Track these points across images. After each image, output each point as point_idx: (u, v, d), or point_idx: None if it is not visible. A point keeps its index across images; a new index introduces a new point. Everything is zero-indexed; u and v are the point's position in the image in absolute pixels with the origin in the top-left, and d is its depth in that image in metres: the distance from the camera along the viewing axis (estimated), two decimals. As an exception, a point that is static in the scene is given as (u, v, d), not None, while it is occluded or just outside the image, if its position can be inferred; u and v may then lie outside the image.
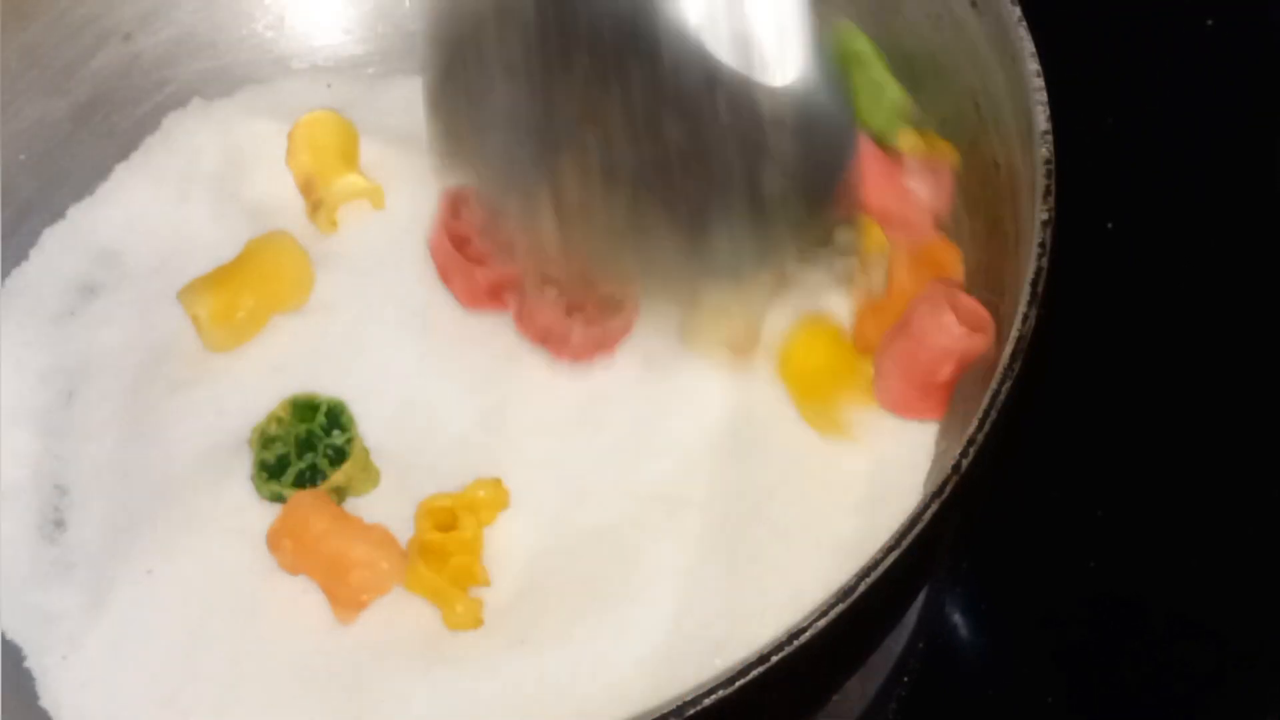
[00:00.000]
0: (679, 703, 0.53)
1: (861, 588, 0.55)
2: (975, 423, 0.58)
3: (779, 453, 0.71)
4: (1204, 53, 0.88)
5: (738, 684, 0.53)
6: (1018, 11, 0.65)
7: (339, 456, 0.69)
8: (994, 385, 0.58)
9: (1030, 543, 0.76)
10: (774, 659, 0.54)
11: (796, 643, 0.54)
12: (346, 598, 0.67)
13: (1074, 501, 0.76)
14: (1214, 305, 0.81)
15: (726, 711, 0.53)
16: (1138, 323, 0.81)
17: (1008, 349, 0.59)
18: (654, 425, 0.71)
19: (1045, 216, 0.61)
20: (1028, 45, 0.64)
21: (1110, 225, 0.83)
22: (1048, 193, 0.62)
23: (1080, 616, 0.74)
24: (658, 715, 0.53)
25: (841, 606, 0.54)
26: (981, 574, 0.75)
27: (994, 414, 0.58)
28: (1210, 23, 0.89)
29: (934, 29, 0.70)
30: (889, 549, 0.55)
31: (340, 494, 0.69)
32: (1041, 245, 0.61)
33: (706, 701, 0.53)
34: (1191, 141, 0.85)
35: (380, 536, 0.67)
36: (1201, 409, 0.78)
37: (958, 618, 0.75)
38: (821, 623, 0.54)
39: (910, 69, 0.72)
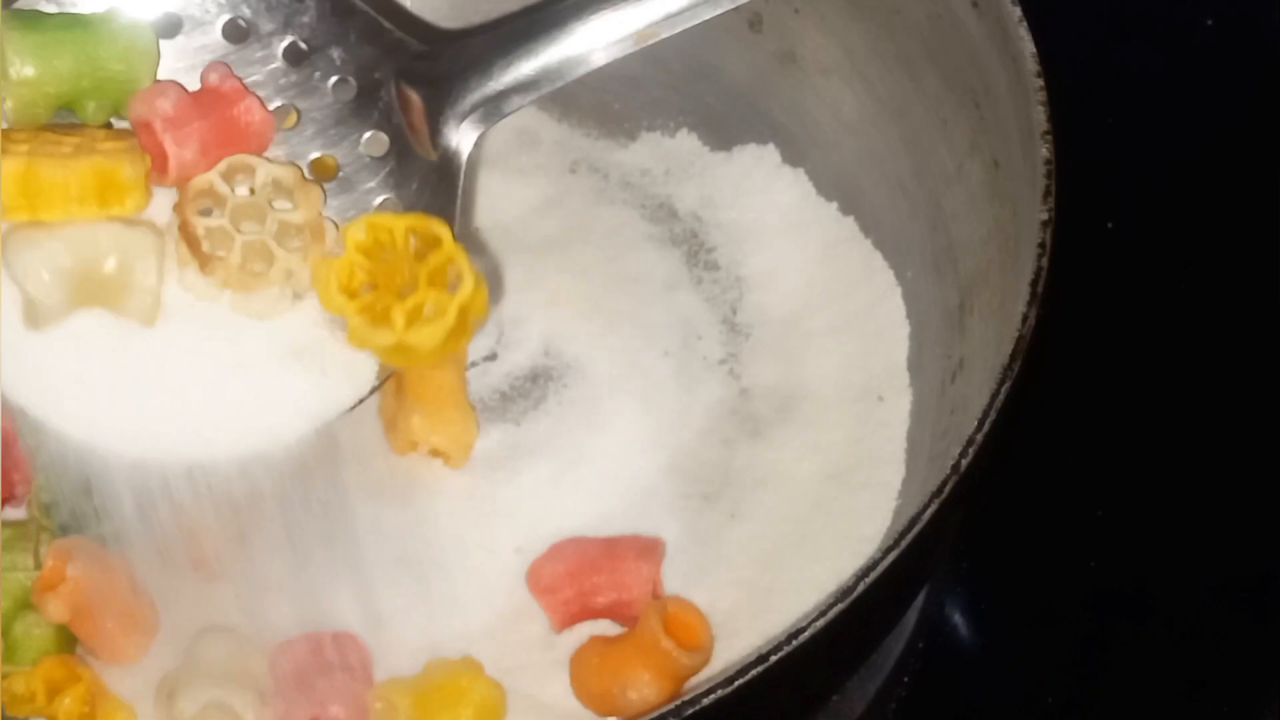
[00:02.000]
0: (678, 703, 0.53)
1: (861, 588, 0.55)
2: (975, 423, 0.58)
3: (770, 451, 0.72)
4: (1204, 53, 0.88)
5: (736, 684, 0.53)
6: (1018, 12, 0.65)
7: None
8: (994, 385, 0.58)
9: (1030, 543, 0.76)
10: (773, 659, 0.54)
11: (795, 643, 0.54)
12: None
13: (1074, 501, 0.76)
14: (1214, 305, 0.81)
15: (725, 711, 0.53)
16: (1138, 323, 0.81)
17: (1008, 349, 0.59)
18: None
19: (1045, 216, 0.61)
20: (1028, 45, 0.64)
21: (1110, 225, 0.83)
22: (1048, 193, 0.62)
23: (1080, 616, 0.74)
24: (657, 715, 0.53)
25: (841, 606, 0.54)
26: (981, 574, 0.75)
27: (994, 414, 0.58)
28: (1210, 23, 0.89)
29: (934, 29, 0.70)
30: (888, 549, 0.55)
31: None
32: (1041, 245, 0.61)
33: (705, 701, 0.53)
34: (1191, 141, 0.85)
35: None
36: (1201, 409, 0.78)
37: (958, 618, 0.75)
38: (821, 623, 0.54)
39: (910, 69, 0.72)
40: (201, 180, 0.61)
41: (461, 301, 0.59)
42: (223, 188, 0.61)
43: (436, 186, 0.63)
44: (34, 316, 0.60)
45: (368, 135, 0.64)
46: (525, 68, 0.62)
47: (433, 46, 0.64)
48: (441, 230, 0.59)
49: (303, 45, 0.64)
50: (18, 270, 0.59)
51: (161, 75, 0.63)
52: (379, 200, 0.63)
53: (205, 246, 0.60)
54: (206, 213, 0.61)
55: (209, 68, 0.63)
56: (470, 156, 0.63)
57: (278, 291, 0.61)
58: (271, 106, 0.63)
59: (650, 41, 0.62)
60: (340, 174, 0.63)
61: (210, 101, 0.62)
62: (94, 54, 0.62)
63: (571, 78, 0.62)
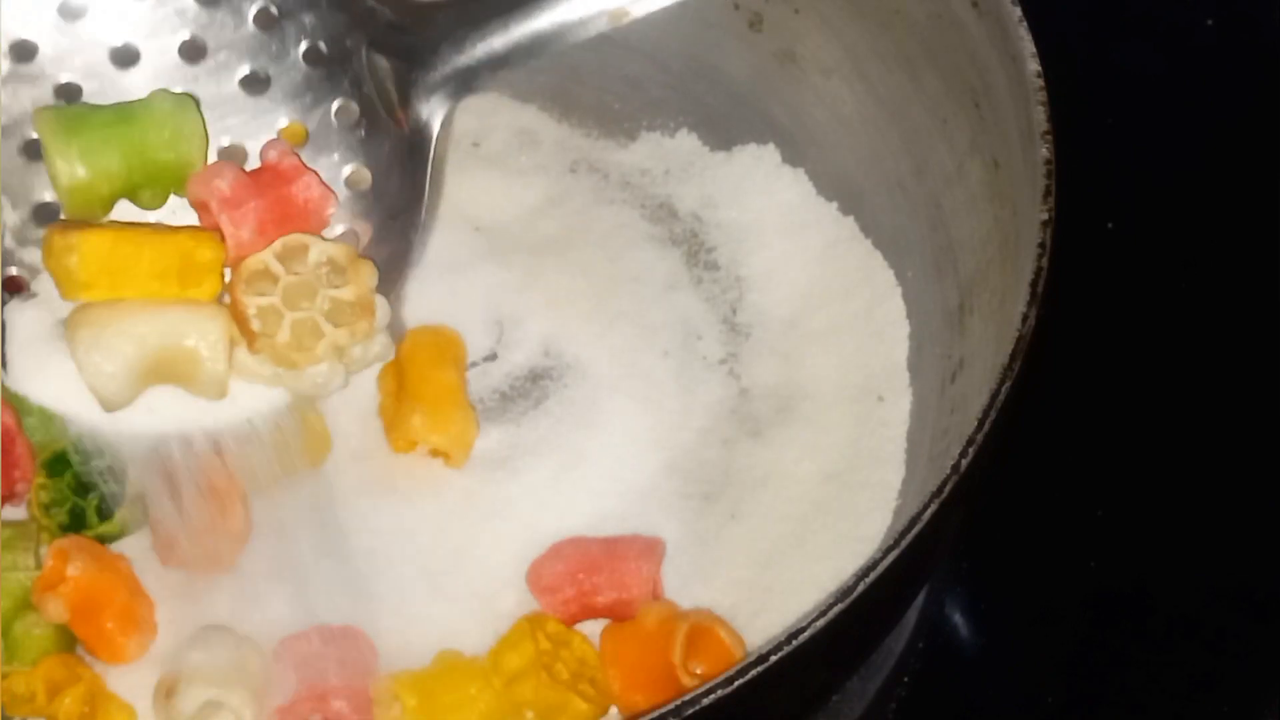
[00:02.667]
0: (678, 702, 0.53)
1: (861, 588, 0.55)
2: (975, 423, 0.58)
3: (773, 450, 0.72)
4: (1204, 53, 0.88)
5: (737, 684, 0.53)
6: (1018, 11, 0.65)
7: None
8: (994, 385, 0.58)
9: (1030, 543, 0.76)
10: (773, 659, 0.54)
11: (795, 643, 0.54)
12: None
13: (1074, 501, 0.76)
14: (1214, 305, 0.81)
15: (726, 711, 0.53)
16: (1138, 323, 0.81)
17: (1008, 349, 0.59)
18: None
19: (1045, 216, 0.61)
20: (1028, 45, 0.64)
21: (1110, 225, 0.83)
22: (1048, 193, 0.62)
23: (1080, 616, 0.74)
24: (657, 715, 0.53)
25: (841, 606, 0.54)
26: (981, 574, 0.75)
27: (994, 414, 0.58)
28: (1210, 23, 0.89)
29: (934, 29, 0.70)
30: (888, 549, 0.55)
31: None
32: (1041, 245, 0.61)
33: (706, 701, 0.53)
34: (1191, 141, 0.85)
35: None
36: (1201, 409, 0.78)
37: (958, 618, 0.75)
38: (821, 622, 0.54)
39: (910, 69, 0.72)
40: (255, 261, 0.61)
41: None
42: (276, 268, 0.61)
43: (407, 159, 0.63)
44: (104, 404, 0.61)
45: (338, 103, 0.64)
46: (497, 42, 0.62)
47: (405, 16, 0.64)
48: None
49: (274, 10, 0.64)
50: (87, 373, 0.60)
51: (128, 41, 0.63)
52: (349, 169, 0.63)
53: (254, 325, 0.61)
54: (258, 291, 0.61)
55: (268, 145, 0.63)
56: (440, 133, 0.63)
57: (328, 368, 0.61)
58: (239, 73, 0.63)
59: (624, 21, 0.61)
60: (310, 141, 0.63)
61: (268, 180, 0.62)
62: (141, 146, 0.62)
63: (544, 55, 0.62)
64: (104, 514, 0.68)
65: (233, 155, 0.65)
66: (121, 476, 0.68)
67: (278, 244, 0.61)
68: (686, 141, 0.80)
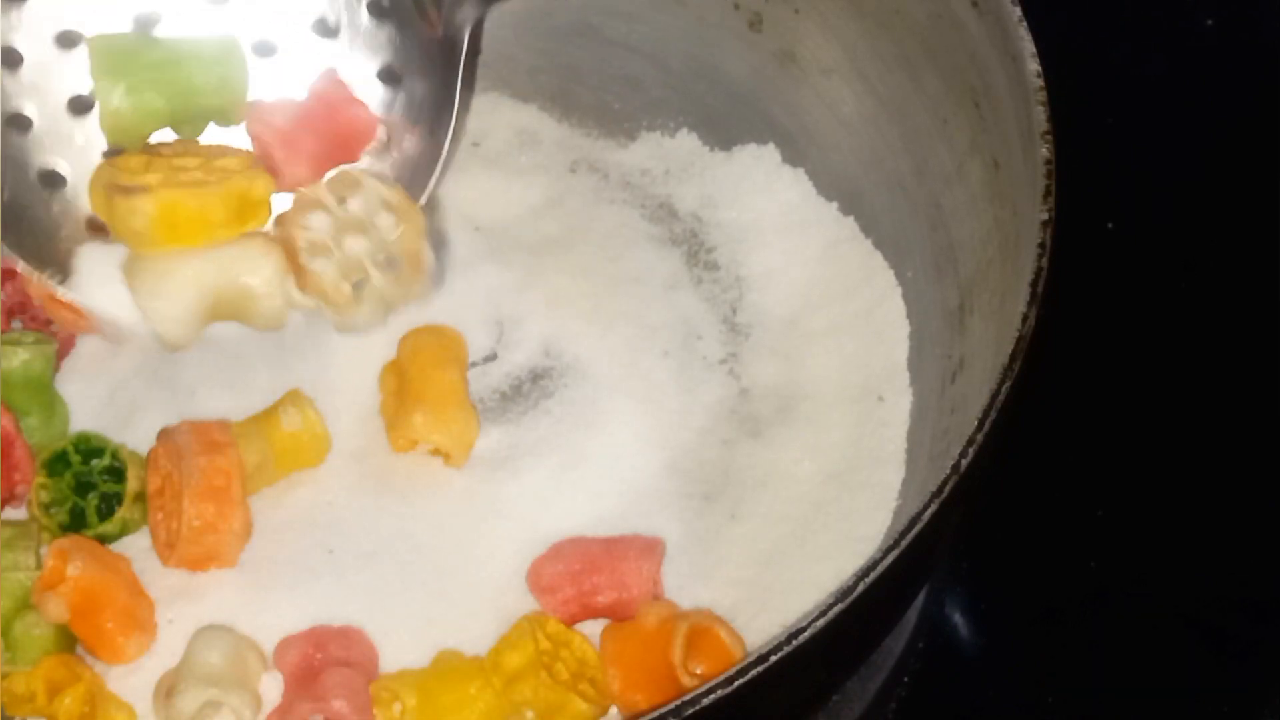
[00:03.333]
0: (678, 702, 0.53)
1: (861, 588, 0.55)
2: (975, 423, 0.58)
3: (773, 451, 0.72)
4: (1204, 53, 0.88)
5: (736, 684, 0.53)
6: (1018, 11, 0.65)
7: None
8: (994, 385, 0.58)
9: (1030, 543, 0.76)
10: (773, 659, 0.54)
11: (795, 642, 0.54)
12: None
13: (1074, 501, 0.76)
14: (1213, 305, 0.81)
15: (726, 711, 0.53)
16: (1138, 323, 0.81)
17: (1008, 349, 0.59)
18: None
19: (1045, 216, 0.61)
20: (1028, 45, 0.64)
21: (1110, 225, 0.83)
22: (1048, 193, 0.62)
23: (1080, 616, 0.74)
24: (657, 715, 0.53)
25: (841, 606, 0.54)
26: (981, 574, 0.75)
27: (994, 414, 0.58)
28: (1210, 23, 0.89)
29: (934, 29, 0.70)
30: (888, 549, 0.56)
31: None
32: (1041, 245, 0.61)
33: (706, 701, 0.53)
34: (1191, 141, 0.85)
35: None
36: (1201, 409, 0.78)
37: (958, 618, 0.75)
38: (821, 622, 0.54)
39: (910, 69, 0.72)
40: (309, 193, 0.63)
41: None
42: (329, 200, 0.63)
43: (439, 61, 0.63)
44: (167, 346, 0.64)
45: None
46: None
47: None
48: None
49: None
50: (152, 320, 0.63)
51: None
52: (379, 65, 0.63)
53: (304, 259, 0.62)
54: (310, 224, 0.63)
55: (319, 78, 0.65)
56: (471, 39, 0.64)
57: (369, 310, 0.63)
58: None
59: None
60: (340, 35, 0.64)
61: (321, 113, 0.64)
62: (187, 89, 0.64)
63: None
64: (104, 514, 0.68)
65: (263, 50, 0.66)
66: (121, 476, 0.68)
67: (330, 176, 0.63)
68: (686, 141, 0.80)
